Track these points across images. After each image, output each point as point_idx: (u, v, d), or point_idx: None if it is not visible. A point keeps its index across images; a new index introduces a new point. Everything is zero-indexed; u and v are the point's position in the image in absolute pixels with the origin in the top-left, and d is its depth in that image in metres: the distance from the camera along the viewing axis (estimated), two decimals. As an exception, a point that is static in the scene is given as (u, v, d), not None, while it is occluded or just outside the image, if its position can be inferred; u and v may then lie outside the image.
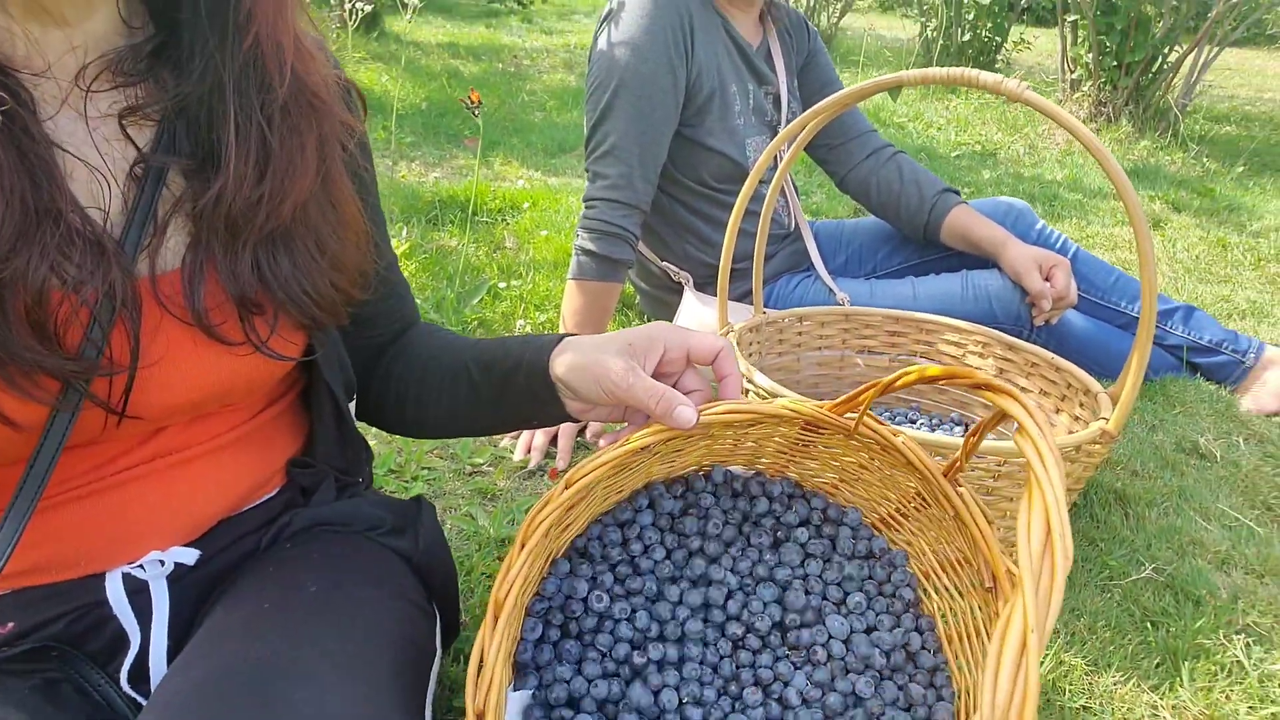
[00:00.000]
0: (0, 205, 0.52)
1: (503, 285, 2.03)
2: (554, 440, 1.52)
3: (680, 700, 0.65)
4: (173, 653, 0.68)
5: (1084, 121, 4.39)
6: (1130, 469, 1.53)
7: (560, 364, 0.70)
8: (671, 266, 1.79)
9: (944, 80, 1.14)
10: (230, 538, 0.72)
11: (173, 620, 0.68)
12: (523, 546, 0.59)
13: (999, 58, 5.88)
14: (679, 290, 1.80)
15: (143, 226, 0.60)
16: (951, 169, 3.78)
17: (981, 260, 1.75)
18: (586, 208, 1.60)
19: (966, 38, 5.72)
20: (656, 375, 0.69)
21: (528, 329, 1.86)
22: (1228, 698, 1.05)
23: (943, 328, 1.53)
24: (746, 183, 1.27)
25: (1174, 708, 1.03)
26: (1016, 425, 0.51)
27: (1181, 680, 1.06)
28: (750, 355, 1.44)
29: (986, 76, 1.10)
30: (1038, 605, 0.40)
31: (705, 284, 1.78)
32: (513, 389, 0.75)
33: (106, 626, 0.66)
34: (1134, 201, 1.03)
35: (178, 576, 0.69)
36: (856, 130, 1.85)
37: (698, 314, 1.72)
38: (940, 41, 5.75)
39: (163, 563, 0.67)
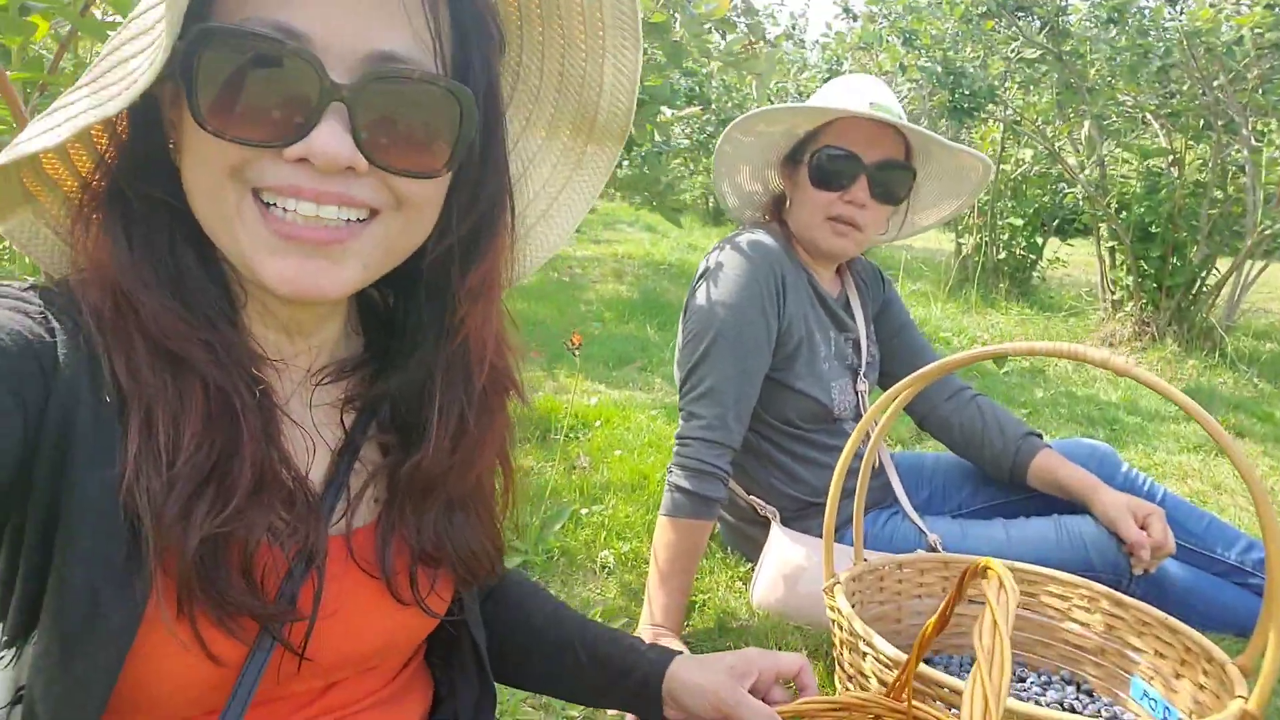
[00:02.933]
0: (244, 468, 0.59)
1: (584, 511, 2.05)
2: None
3: None
4: None
5: (1128, 342, 4.49)
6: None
7: (674, 680, 0.83)
8: (758, 501, 1.80)
9: (1050, 353, 1.19)
10: None
11: None
12: None
13: (1034, 274, 6.11)
14: (764, 524, 1.81)
15: (340, 490, 0.68)
16: (1002, 387, 3.84)
17: (1069, 502, 1.75)
18: (681, 445, 1.64)
19: (1002, 255, 5.99)
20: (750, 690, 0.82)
21: (610, 558, 1.86)
22: None
23: (1045, 579, 1.51)
24: (844, 451, 1.31)
25: None
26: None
27: None
28: (854, 605, 1.43)
29: (1093, 352, 1.15)
30: None
31: (791, 519, 1.79)
32: (621, 689, 0.86)
33: None
34: (1252, 477, 1.04)
35: None
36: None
37: (785, 551, 1.72)
38: (977, 259, 6.01)
39: None
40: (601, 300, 5.17)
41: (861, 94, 1.66)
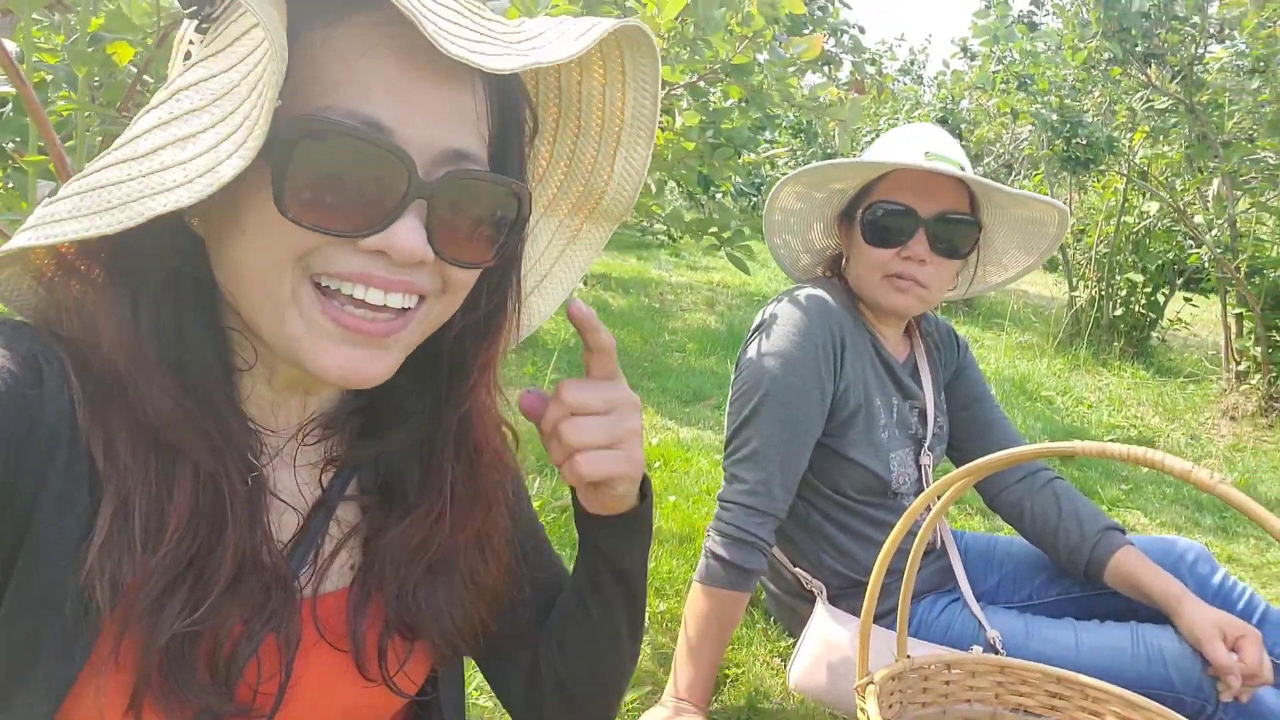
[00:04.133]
0: (224, 560, 0.57)
1: (626, 562, 1.99)
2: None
3: None
4: None
5: (1252, 417, 4.12)
6: None
7: None
8: (804, 573, 1.69)
9: (1125, 458, 1.06)
10: None
11: None
12: None
13: (1154, 334, 5.71)
14: (810, 599, 1.69)
15: (309, 550, 0.66)
16: (1098, 460, 3.57)
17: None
18: (721, 508, 1.56)
19: (1119, 312, 5.62)
20: None
21: (646, 617, 1.78)
22: None
23: (1112, 698, 1.35)
24: (895, 529, 1.20)
25: None
26: None
27: None
28: (890, 707, 1.31)
29: (1174, 462, 1.01)
30: None
31: (839, 597, 1.67)
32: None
33: None
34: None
35: None
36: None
37: (829, 631, 1.61)
38: (1091, 314, 5.66)
39: None
40: (687, 330, 5.11)
41: (917, 143, 1.55)
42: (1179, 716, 1.30)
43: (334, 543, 0.67)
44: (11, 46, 0.99)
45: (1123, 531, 1.64)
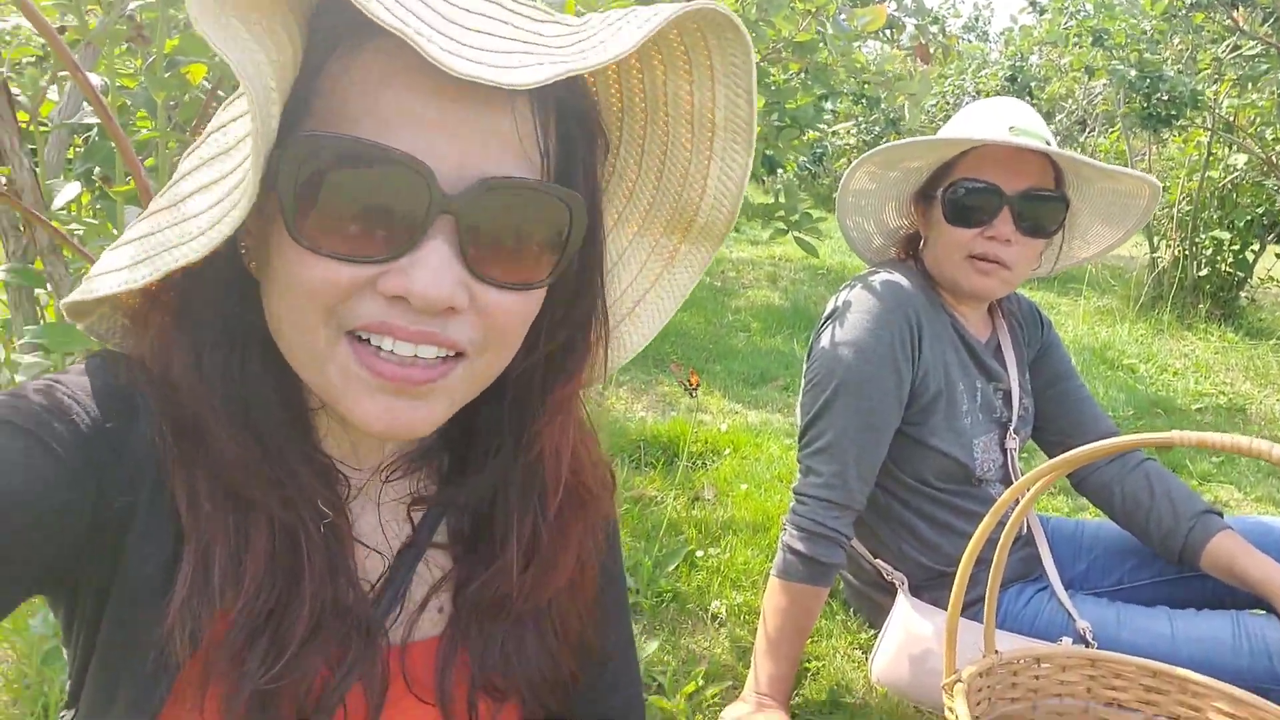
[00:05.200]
0: (301, 612, 0.56)
1: (699, 553, 1.98)
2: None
3: None
4: None
5: (1357, 379, 3.89)
6: None
7: None
8: (885, 565, 1.67)
9: (1225, 448, 1.02)
10: None
11: None
12: None
13: (1242, 294, 5.43)
14: (891, 591, 1.67)
15: (398, 595, 0.64)
16: (1192, 426, 3.43)
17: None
18: (797, 502, 1.54)
19: (1204, 272, 5.36)
20: None
21: (723, 610, 1.78)
22: None
23: (1214, 693, 1.30)
24: (982, 525, 1.17)
25: None
26: None
27: None
28: (979, 705, 1.28)
29: (1272, 448, 0.97)
30: None
31: (921, 588, 1.64)
32: None
33: None
34: None
35: None
36: (1098, 429, 1.71)
37: (911, 624, 1.58)
38: (1174, 275, 5.41)
39: None
40: (750, 308, 5.06)
41: (1000, 119, 1.49)
42: (1288, 712, 1.24)
43: (424, 589, 0.65)
44: (96, 80, 1.02)
45: (1220, 515, 1.58)
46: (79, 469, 0.52)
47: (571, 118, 0.58)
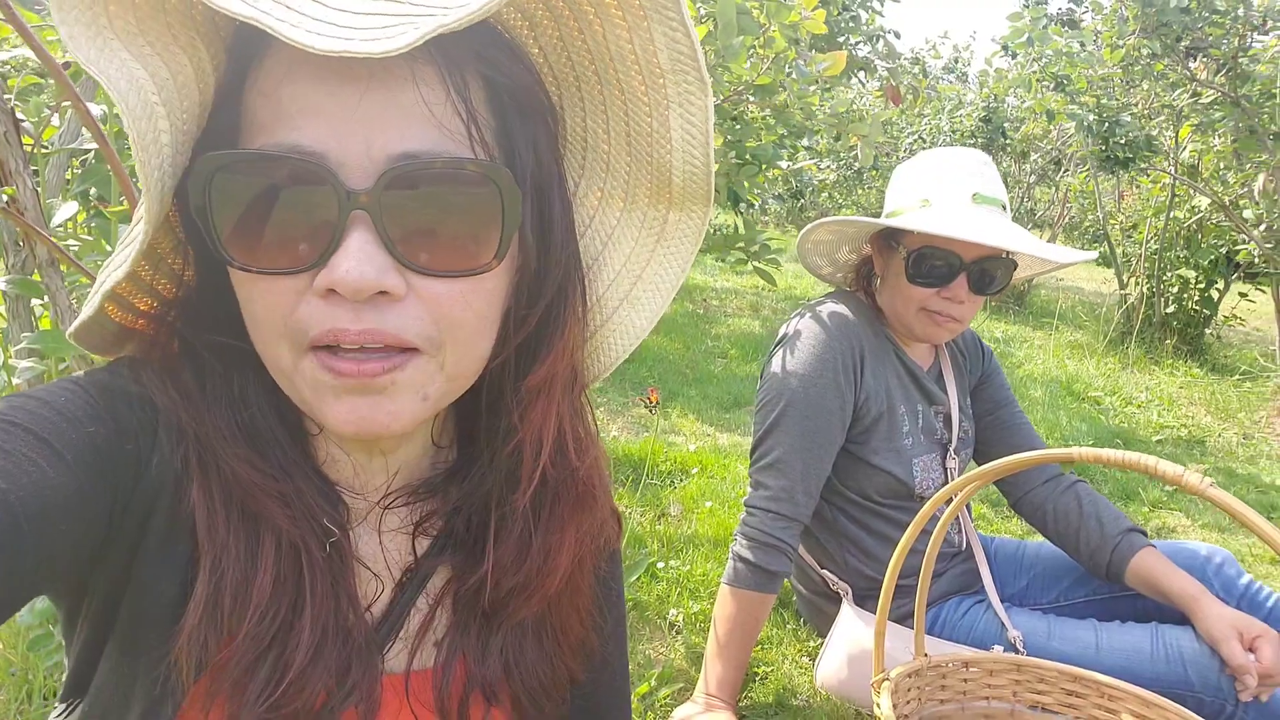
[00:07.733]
0: (303, 634, 0.56)
1: (661, 565, 2.07)
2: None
3: None
4: None
5: (1311, 415, 4.03)
6: None
7: None
8: (831, 575, 1.76)
9: (1119, 464, 1.11)
10: None
11: None
12: None
13: (1208, 331, 5.59)
14: (837, 599, 1.76)
15: (397, 624, 0.63)
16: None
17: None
18: (747, 513, 1.63)
19: (1170, 309, 5.52)
20: None
21: (680, 618, 1.86)
22: None
23: (1128, 696, 1.39)
24: (908, 531, 1.27)
25: None
26: None
27: None
28: (909, 704, 1.37)
29: (1166, 466, 1.05)
30: None
31: (865, 597, 1.73)
32: None
33: None
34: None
35: None
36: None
37: (854, 631, 1.67)
38: (1142, 311, 5.57)
39: None
40: (730, 335, 5.17)
41: (963, 183, 1.60)
42: (1194, 715, 1.34)
43: (421, 616, 0.64)
44: (95, 109, 1.12)
45: (1144, 534, 1.68)
46: (95, 479, 0.52)
47: (503, 90, 0.56)
